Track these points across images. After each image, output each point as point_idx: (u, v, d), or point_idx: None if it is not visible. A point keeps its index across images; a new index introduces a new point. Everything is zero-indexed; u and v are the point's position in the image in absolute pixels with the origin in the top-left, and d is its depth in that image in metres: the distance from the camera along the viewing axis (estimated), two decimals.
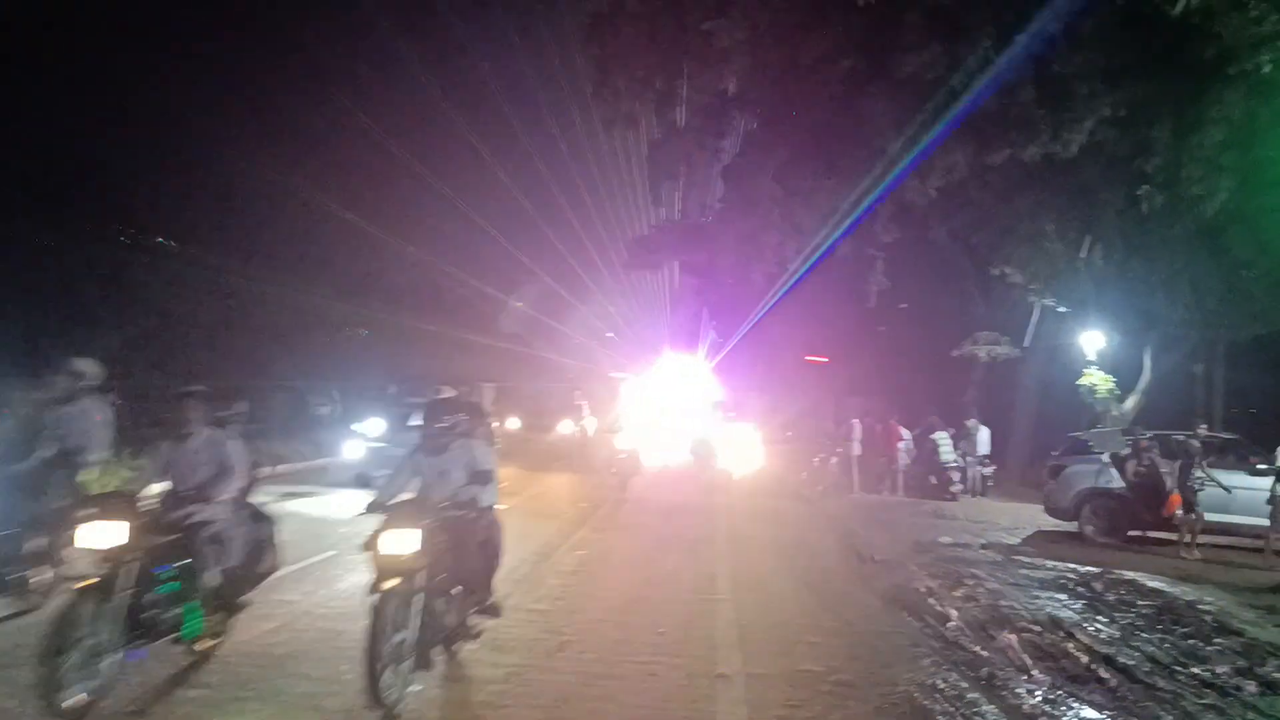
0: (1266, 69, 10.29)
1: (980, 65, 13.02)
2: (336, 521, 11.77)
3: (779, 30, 15.26)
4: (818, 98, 15.95)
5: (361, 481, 6.44)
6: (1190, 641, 7.62)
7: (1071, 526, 14.16)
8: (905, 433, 20.47)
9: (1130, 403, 17.73)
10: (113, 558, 5.26)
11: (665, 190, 25.91)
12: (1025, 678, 6.49)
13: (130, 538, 5.31)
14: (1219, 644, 7.57)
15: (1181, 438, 13.69)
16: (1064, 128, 13.12)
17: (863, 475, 20.02)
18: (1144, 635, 7.79)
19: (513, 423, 27.54)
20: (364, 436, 16.47)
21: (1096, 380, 17.31)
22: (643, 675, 6.27)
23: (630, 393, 29.43)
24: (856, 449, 20.45)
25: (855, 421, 20.98)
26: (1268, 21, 9.93)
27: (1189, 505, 12.65)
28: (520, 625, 7.39)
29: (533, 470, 21.05)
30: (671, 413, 26.40)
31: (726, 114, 18.71)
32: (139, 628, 5.37)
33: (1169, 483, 13.10)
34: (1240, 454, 13.71)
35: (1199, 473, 12.68)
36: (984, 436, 20.46)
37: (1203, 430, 14.11)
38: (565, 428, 28.00)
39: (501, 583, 8.90)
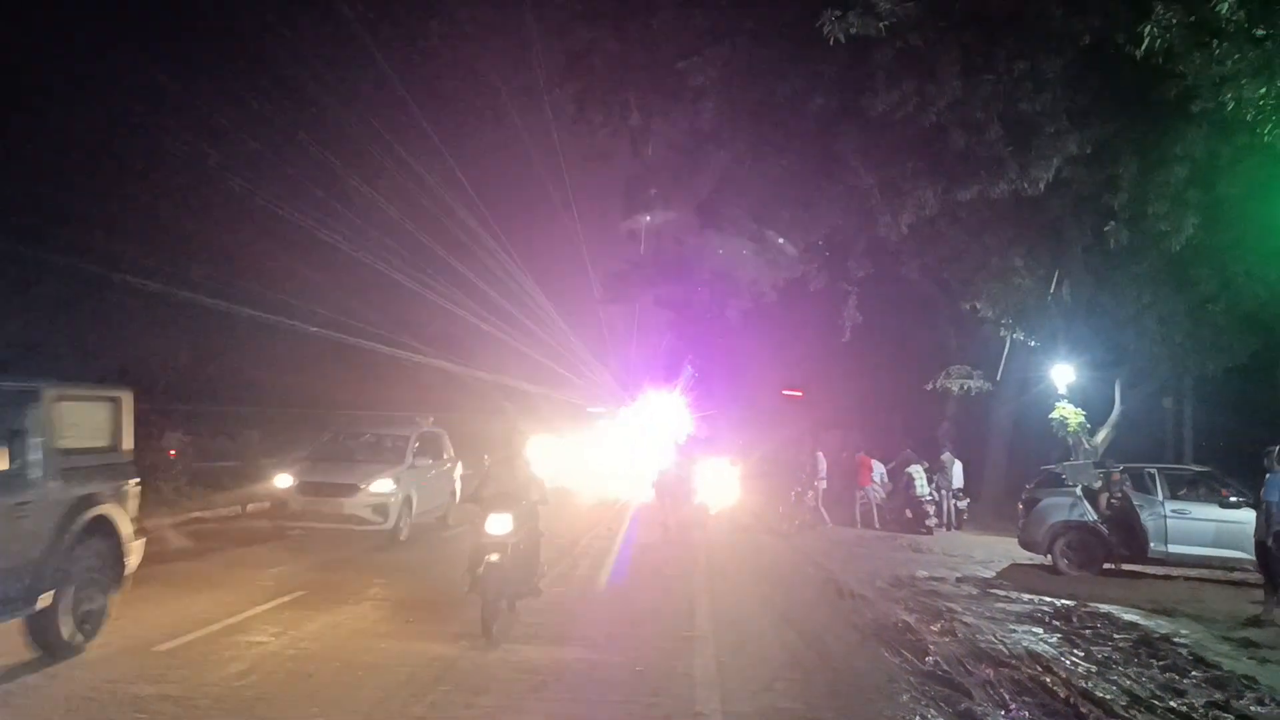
0: (1229, 107, 10.51)
1: (949, 105, 13.25)
2: None
3: (752, 70, 15.46)
4: (791, 136, 16.14)
5: None
6: (1167, 675, 7.63)
7: (1046, 559, 14.20)
8: (878, 465, 20.52)
9: (1101, 436, 17.88)
10: None
11: (640, 224, 26.03)
12: (1003, 713, 6.46)
13: None
14: (1195, 677, 7.59)
15: None
16: (1032, 166, 13.32)
17: (832, 509, 20.00)
18: (1121, 668, 7.79)
19: (282, 480, 13.95)
20: None
21: (1067, 414, 17.46)
22: (620, 715, 6.18)
23: (598, 428, 29.06)
24: (824, 483, 20.46)
25: (820, 455, 21.00)
26: (1229, 61, 10.15)
27: None
28: (495, 664, 7.27)
29: (296, 588, 9.96)
30: (645, 449, 26.15)
31: (701, 151, 18.88)
32: None
33: (1143, 516, 13.17)
34: (1212, 486, 13.84)
35: None
36: (958, 470, 20.54)
37: None
38: (382, 486, 13.83)
39: (477, 622, 8.76)
